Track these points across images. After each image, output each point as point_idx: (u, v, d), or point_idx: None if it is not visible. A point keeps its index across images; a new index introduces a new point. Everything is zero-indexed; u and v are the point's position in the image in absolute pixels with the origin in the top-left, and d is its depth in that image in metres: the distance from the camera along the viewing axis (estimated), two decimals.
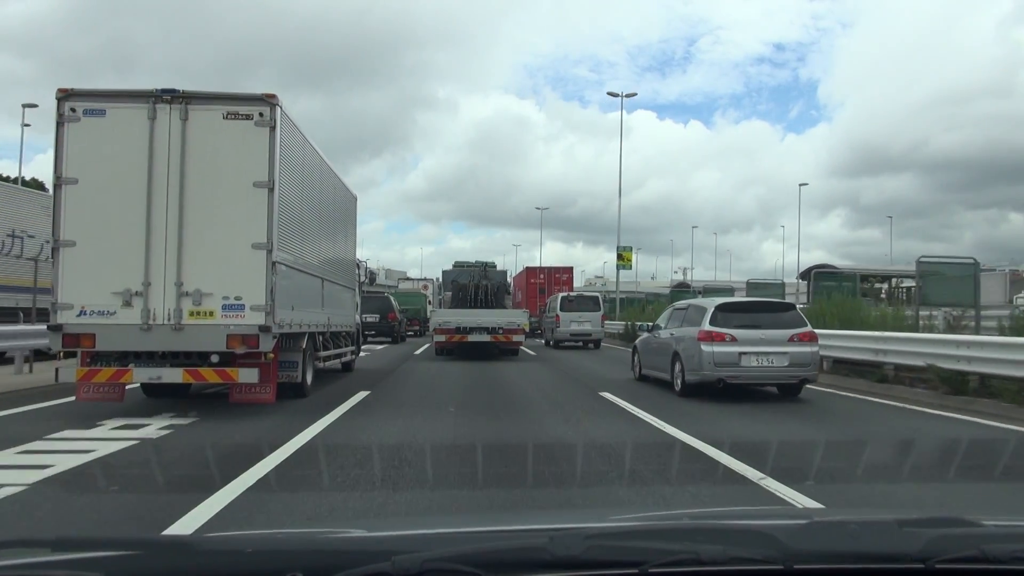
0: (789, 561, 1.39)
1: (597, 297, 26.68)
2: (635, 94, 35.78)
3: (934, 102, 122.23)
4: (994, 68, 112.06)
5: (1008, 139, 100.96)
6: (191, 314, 8.33)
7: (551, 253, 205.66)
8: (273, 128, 8.45)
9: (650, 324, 13.62)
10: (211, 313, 8.35)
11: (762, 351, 10.38)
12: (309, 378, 10.75)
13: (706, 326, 10.59)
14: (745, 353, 10.37)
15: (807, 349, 10.62)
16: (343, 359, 13.90)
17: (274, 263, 8.44)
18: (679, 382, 10.99)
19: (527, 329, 20.99)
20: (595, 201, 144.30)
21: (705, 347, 10.42)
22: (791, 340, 10.50)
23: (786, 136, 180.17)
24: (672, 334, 11.68)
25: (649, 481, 5.59)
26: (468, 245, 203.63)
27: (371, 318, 26.71)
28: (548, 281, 33.87)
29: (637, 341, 14.04)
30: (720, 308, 10.88)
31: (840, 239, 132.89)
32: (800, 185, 57.21)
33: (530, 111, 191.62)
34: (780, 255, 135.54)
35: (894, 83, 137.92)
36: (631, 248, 38.63)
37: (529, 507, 4.72)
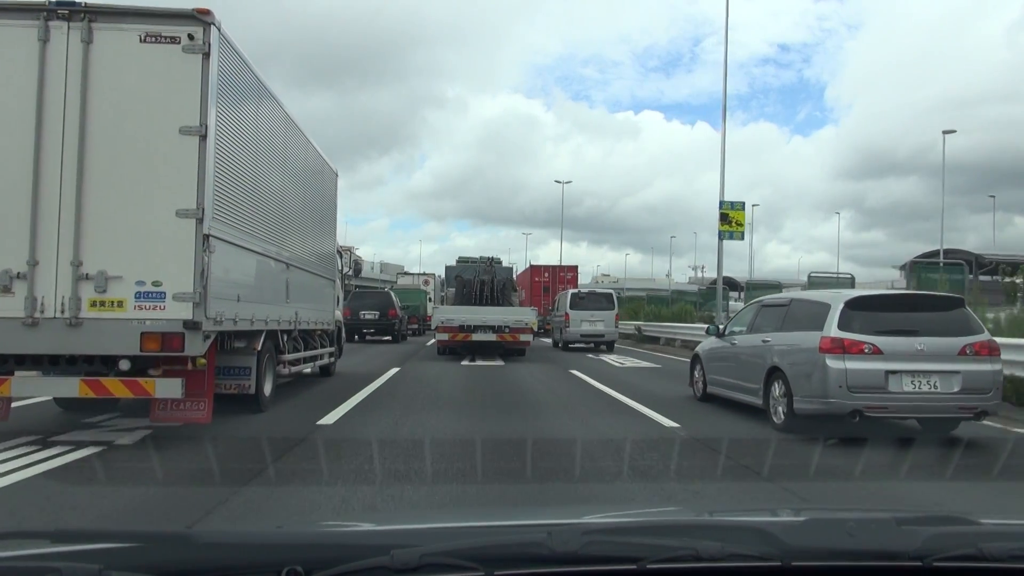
0: (787, 558, 1.37)
1: (611, 294, 24.42)
2: None
3: (941, 106, 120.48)
4: (1002, 72, 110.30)
5: (1015, 143, 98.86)
6: (93, 304, 6.15)
7: (554, 252, 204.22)
8: (207, 55, 6.25)
9: (719, 326, 10.22)
10: (120, 303, 6.17)
11: (920, 369, 7.09)
12: (268, 388, 8.57)
13: (832, 331, 7.25)
14: (895, 372, 7.06)
15: (987, 367, 7.27)
16: (320, 362, 11.72)
17: (207, 237, 6.25)
18: (780, 410, 7.77)
19: (535, 328, 19.37)
20: (601, 201, 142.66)
21: (832, 362, 7.13)
22: (963, 353, 7.19)
23: (792, 138, 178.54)
24: (765, 341, 8.37)
25: None
26: (472, 243, 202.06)
27: (370, 315, 25.08)
28: (552, 280, 32.71)
29: (699, 348, 10.56)
30: (853, 304, 7.47)
31: (845, 240, 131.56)
32: (945, 133, 42.26)
33: (538, 111, 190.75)
34: (786, 256, 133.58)
35: (901, 86, 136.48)
36: (742, 205, 22.88)
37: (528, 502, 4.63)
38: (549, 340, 26.02)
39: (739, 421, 8.47)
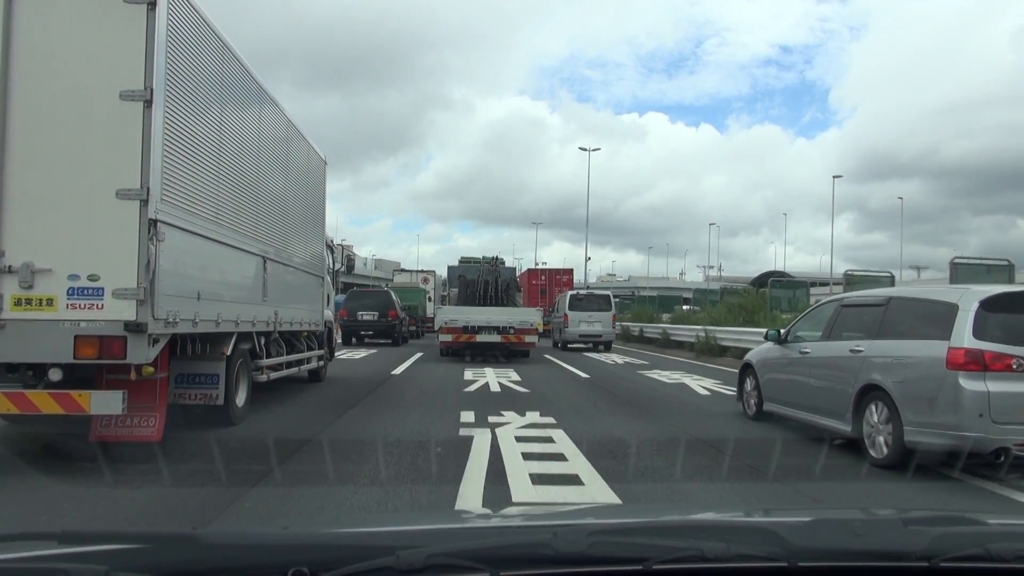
0: (793, 558, 1.35)
1: (608, 296, 24.97)
2: None
3: (945, 109, 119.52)
4: (1007, 76, 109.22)
5: (1018, 146, 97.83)
6: (17, 303, 5.16)
7: (557, 252, 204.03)
8: (153, 5, 5.25)
9: (779, 331, 8.44)
10: (49, 301, 5.17)
11: None
12: (241, 397, 7.57)
13: (966, 340, 5.47)
14: None
15: None
16: (307, 366, 10.72)
17: (154, 222, 5.26)
18: (880, 441, 5.98)
19: (541, 329, 18.92)
20: (605, 202, 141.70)
21: (968, 382, 5.38)
22: None
23: (796, 140, 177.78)
24: (855, 350, 6.55)
25: None
26: (475, 244, 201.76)
27: (368, 316, 23.61)
28: (549, 282, 33.90)
29: (751, 356, 8.90)
30: (991, 304, 5.64)
31: (847, 242, 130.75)
32: None
33: (543, 112, 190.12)
34: (788, 257, 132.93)
35: (905, 90, 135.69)
36: None
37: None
38: (549, 341, 25.77)
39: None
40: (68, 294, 5.16)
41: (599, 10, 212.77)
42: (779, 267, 67.83)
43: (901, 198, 67.56)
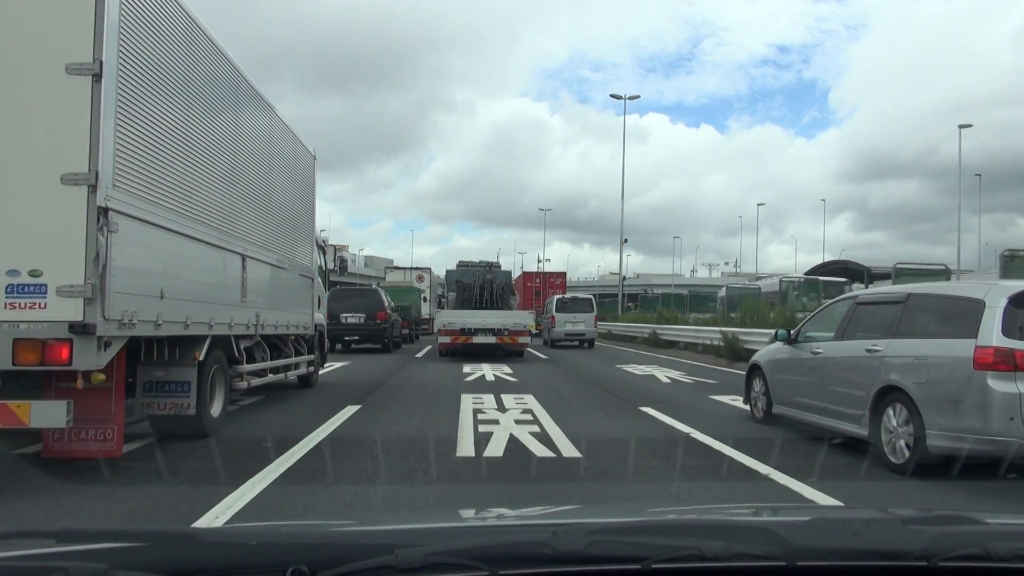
0: (792, 558, 1.35)
1: (590, 299, 27.03)
2: None
3: (945, 109, 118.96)
4: (1007, 76, 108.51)
5: (1017, 146, 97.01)
6: None
7: (557, 252, 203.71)
8: None
9: (789, 331, 7.99)
10: None
11: None
12: (217, 407, 6.97)
13: (995, 338, 5.11)
14: None
15: None
16: (296, 371, 10.14)
17: (104, 210, 4.68)
18: (899, 446, 5.59)
19: (533, 331, 20.01)
20: (607, 203, 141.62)
21: (997, 383, 5.02)
22: None
23: (796, 140, 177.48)
24: (871, 350, 6.12)
25: None
26: (475, 245, 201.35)
27: (353, 318, 20.66)
28: (543, 285, 35.81)
29: (758, 357, 8.44)
30: (1020, 300, 5.25)
31: (845, 242, 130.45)
32: None
33: (544, 114, 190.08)
34: (787, 256, 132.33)
35: (905, 89, 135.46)
36: None
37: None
38: (540, 340, 26.69)
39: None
40: (7, 292, 4.59)
41: (599, 12, 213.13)
42: (782, 266, 66.59)
43: (979, 175, 54.29)
